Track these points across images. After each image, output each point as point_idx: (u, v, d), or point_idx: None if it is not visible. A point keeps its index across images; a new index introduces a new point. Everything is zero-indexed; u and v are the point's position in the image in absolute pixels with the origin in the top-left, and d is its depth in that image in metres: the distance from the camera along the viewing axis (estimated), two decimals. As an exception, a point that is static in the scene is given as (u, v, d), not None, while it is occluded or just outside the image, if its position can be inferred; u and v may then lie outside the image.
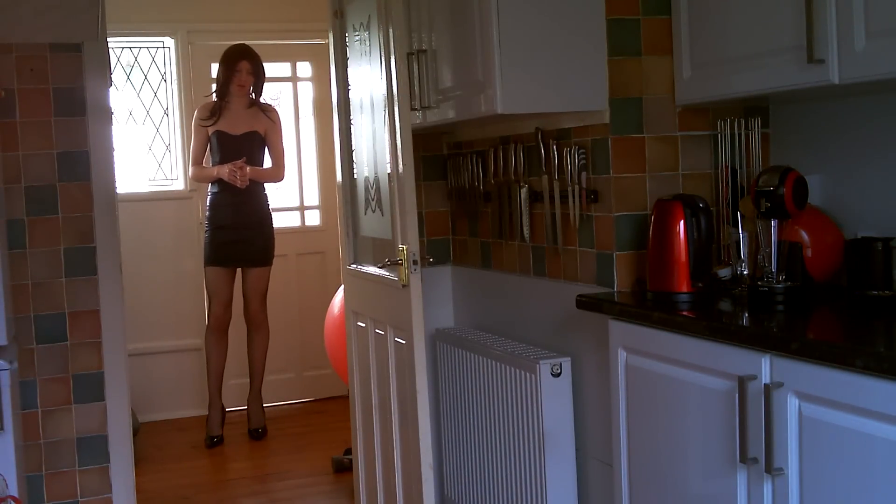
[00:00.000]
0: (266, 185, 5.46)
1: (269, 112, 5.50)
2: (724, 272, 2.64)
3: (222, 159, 5.32)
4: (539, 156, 3.02)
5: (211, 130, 5.37)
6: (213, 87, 5.52)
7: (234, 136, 5.34)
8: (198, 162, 5.39)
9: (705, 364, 2.21)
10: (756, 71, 2.38)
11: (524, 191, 3.13)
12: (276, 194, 5.81)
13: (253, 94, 5.45)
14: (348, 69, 3.56)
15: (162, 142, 6.02)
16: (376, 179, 3.31)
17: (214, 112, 5.39)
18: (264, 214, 5.40)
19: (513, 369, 3.05)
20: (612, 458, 2.62)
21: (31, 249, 3.59)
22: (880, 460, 1.77)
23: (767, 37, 2.33)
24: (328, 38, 3.72)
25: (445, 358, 3.55)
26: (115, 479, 3.74)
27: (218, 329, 5.42)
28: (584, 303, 2.68)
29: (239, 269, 5.41)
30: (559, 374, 2.92)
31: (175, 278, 5.92)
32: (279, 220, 5.61)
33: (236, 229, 5.31)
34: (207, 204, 5.40)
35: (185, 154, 5.89)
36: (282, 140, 5.51)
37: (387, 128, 3.05)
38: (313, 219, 6.33)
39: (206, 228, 5.40)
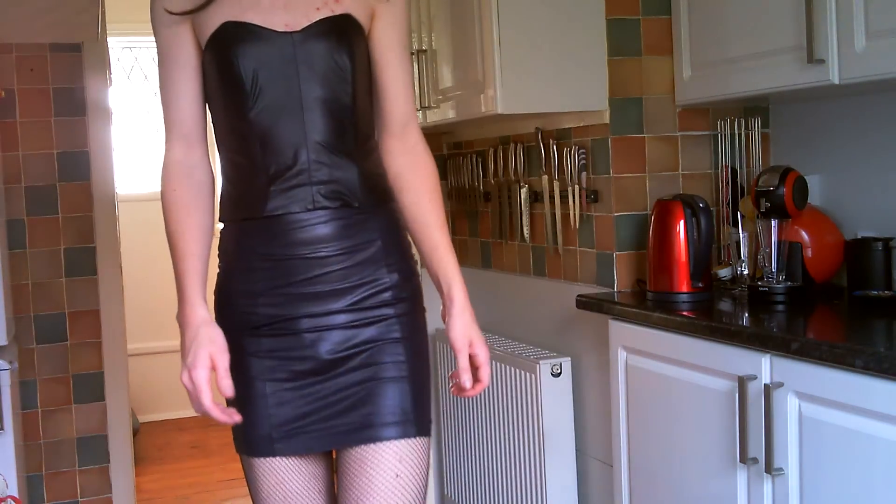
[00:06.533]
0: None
1: None
2: (725, 272, 2.64)
3: (244, 131, 1.81)
4: (539, 156, 3.02)
5: (212, 25, 1.80)
6: None
7: (276, 37, 1.80)
8: (187, 134, 1.89)
9: (705, 364, 2.21)
10: (756, 71, 2.38)
11: (524, 191, 3.13)
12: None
13: None
14: (348, 69, 3.56)
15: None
16: (376, 179, 3.31)
17: None
18: (403, 277, 1.91)
19: (513, 369, 3.05)
20: (612, 457, 2.62)
21: (32, 249, 3.60)
22: (880, 460, 1.77)
23: (767, 37, 2.33)
24: (328, 38, 3.71)
25: (445, 358, 3.55)
26: (115, 479, 3.74)
27: None
28: (584, 303, 2.68)
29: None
30: (559, 374, 2.92)
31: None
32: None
33: (317, 330, 1.83)
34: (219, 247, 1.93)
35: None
36: (408, 47, 2.00)
37: (387, 128, 3.05)
38: (313, 219, 6.32)
39: (225, 319, 1.87)
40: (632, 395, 2.51)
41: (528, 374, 2.97)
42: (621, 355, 2.54)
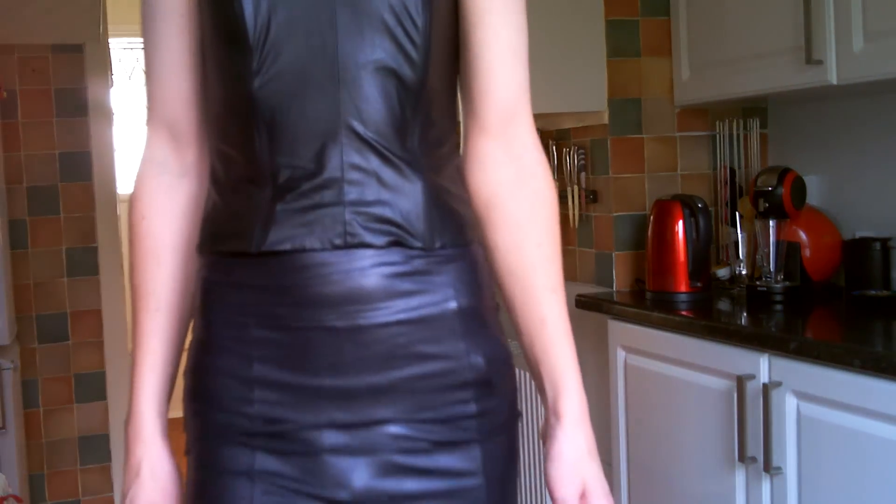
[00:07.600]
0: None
1: None
2: (723, 272, 2.65)
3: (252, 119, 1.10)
4: (539, 156, 3.03)
5: None
6: None
7: None
8: (172, 122, 1.19)
9: (704, 364, 2.22)
10: (754, 72, 2.39)
11: (524, 191, 3.14)
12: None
13: None
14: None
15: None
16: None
17: None
18: (493, 367, 1.31)
19: (513, 369, 3.06)
20: (612, 457, 2.63)
21: (34, 249, 3.61)
22: (878, 459, 1.78)
23: (766, 38, 2.34)
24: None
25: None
26: (117, 478, 3.75)
27: None
28: (583, 303, 2.68)
29: None
30: (559, 374, 2.92)
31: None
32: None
33: (349, 452, 1.12)
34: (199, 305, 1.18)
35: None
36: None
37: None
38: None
39: (188, 419, 1.17)
40: (631, 394, 2.52)
41: (527, 373, 2.97)
42: (620, 355, 2.54)
